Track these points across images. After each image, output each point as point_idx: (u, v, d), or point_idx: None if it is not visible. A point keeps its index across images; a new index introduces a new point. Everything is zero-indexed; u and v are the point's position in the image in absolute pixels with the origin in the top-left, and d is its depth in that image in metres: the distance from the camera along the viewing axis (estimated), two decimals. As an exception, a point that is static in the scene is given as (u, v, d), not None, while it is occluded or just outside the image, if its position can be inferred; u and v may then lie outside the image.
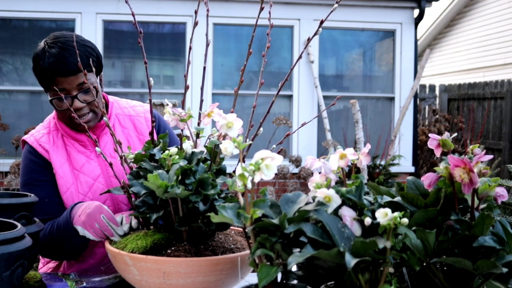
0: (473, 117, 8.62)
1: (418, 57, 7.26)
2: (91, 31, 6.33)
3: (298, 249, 1.08)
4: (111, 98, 1.93)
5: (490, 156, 1.13)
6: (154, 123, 1.50)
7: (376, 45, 7.16)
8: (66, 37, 1.72)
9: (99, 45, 6.36)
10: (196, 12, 1.38)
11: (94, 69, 1.62)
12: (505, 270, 1.00)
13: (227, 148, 1.14)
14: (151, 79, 1.43)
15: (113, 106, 1.90)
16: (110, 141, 1.85)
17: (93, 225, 1.53)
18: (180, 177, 1.27)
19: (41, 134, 1.84)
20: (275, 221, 1.06)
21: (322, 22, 1.34)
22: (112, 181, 1.80)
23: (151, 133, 1.48)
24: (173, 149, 1.34)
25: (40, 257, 1.94)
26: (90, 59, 1.64)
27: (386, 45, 7.06)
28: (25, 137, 1.85)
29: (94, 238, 1.54)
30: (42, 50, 1.70)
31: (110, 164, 1.49)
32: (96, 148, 1.46)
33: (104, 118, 1.45)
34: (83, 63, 1.68)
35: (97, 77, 1.76)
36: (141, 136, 1.89)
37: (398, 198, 1.16)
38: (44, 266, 1.91)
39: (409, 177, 1.20)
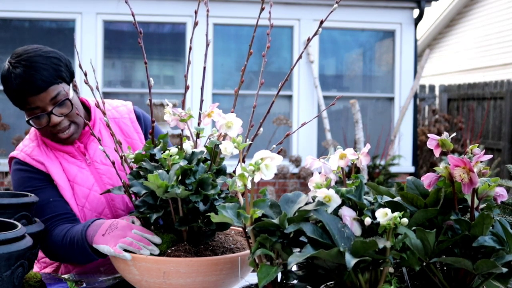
0: (473, 117, 8.62)
1: (418, 57, 7.26)
2: (91, 31, 6.33)
3: (298, 249, 1.08)
4: (92, 102, 1.83)
5: (490, 156, 1.13)
6: (155, 123, 1.50)
7: (376, 45, 7.16)
8: (28, 53, 1.64)
9: (99, 45, 6.37)
10: (196, 12, 1.38)
11: (66, 79, 1.56)
12: (504, 270, 1.00)
13: (227, 148, 1.14)
14: (151, 79, 1.43)
15: (95, 111, 1.81)
16: (98, 146, 1.76)
17: (123, 241, 1.38)
18: (180, 177, 1.28)
19: (31, 148, 1.75)
20: (275, 221, 1.06)
21: (322, 22, 1.34)
22: (108, 188, 1.72)
23: (151, 133, 1.48)
24: (173, 149, 1.34)
25: (36, 261, 1.84)
26: (58, 70, 1.60)
27: (386, 45, 7.06)
28: (14, 154, 1.76)
29: (128, 257, 1.33)
30: (8, 71, 1.63)
31: (113, 163, 1.45)
32: (99, 146, 1.43)
33: (104, 118, 1.45)
34: (51, 76, 1.62)
35: (69, 85, 1.69)
36: (128, 139, 1.82)
37: (398, 198, 1.16)
38: (40, 271, 1.84)
39: (409, 177, 1.20)
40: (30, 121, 1.67)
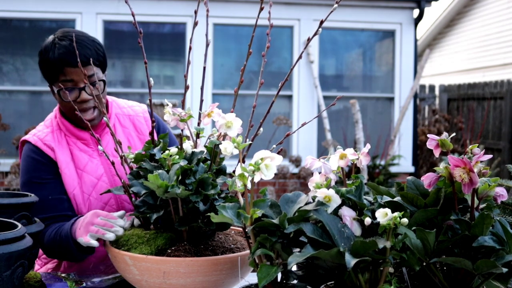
0: (473, 117, 8.62)
1: (418, 57, 7.26)
2: (91, 31, 6.32)
3: (298, 249, 1.08)
4: (109, 98, 1.92)
5: (490, 156, 1.13)
6: (155, 123, 1.50)
7: (376, 45, 7.16)
8: (75, 32, 1.75)
9: (99, 45, 6.37)
10: (196, 12, 1.38)
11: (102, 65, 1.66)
12: (504, 270, 1.00)
13: (227, 148, 1.14)
14: (151, 79, 1.44)
15: (112, 106, 1.89)
16: (111, 140, 1.83)
17: (91, 230, 1.49)
18: (180, 177, 1.27)
19: (45, 133, 1.80)
20: (275, 221, 1.06)
21: (322, 22, 1.34)
22: (116, 180, 1.79)
23: (151, 133, 1.48)
24: (173, 149, 1.34)
25: (37, 258, 1.89)
26: (99, 54, 1.71)
27: (386, 45, 7.06)
28: (27, 137, 1.81)
29: (95, 243, 1.49)
30: (52, 43, 1.72)
31: (112, 163, 1.49)
32: (99, 147, 1.46)
33: (104, 118, 1.45)
34: (93, 57, 1.71)
35: (103, 73, 1.78)
36: (141, 136, 1.89)
37: (398, 198, 1.16)
38: (42, 267, 1.88)
39: (409, 177, 1.20)
40: (60, 92, 1.71)
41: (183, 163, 1.29)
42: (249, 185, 1.08)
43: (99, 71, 1.74)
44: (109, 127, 1.46)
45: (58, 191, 1.75)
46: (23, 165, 1.79)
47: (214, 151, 1.37)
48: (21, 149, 1.83)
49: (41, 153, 1.77)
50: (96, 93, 1.72)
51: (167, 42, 6.76)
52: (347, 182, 1.20)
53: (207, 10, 1.47)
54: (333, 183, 1.21)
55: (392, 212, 1.02)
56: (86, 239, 1.48)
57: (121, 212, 1.53)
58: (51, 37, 1.74)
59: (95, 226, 1.48)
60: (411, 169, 6.88)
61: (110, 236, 1.43)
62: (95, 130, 1.81)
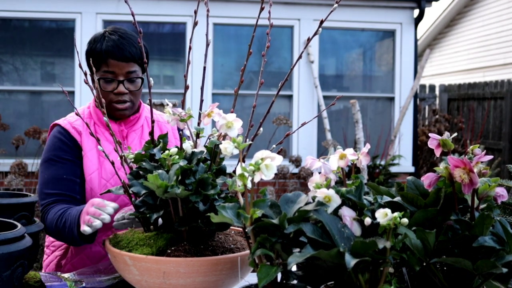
0: (473, 117, 8.62)
1: (418, 57, 7.26)
2: (91, 31, 6.32)
3: (298, 249, 1.08)
4: (142, 103, 2.05)
5: (490, 157, 1.13)
6: (154, 123, 1.50)
7: (376, 45, 7.16)
8: (126, 30, 1.88)
9: (99, 45, 6.36)
10: (195, 12, 1.38)
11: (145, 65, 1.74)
12: (505, 270, 1.00)
13: (227, 148, 1.14)
14: (151, 79, 1.44)
15: (143, 109, 2.01)
16: (137, 138, 1.94)
17: (85, 219, 1.56)
18: (180, 177, 1.27)
19: (76, 118, 1.91)
20: (275, 221, 1.06)
21: (322, 22, 1.34)
22: None
23: (150, 133, 1.48)
24: (173, 149, 1.34)
25: (45, 247, 1.99)
26: (143, 56, 1.79)
27: (386, 45, 7.06)
28: (58, 121, 1.92)
29: (88, 230, 1.55)
30: (102, 35, 1.84)
31: (112, 163, 1.50)
32: (98, 146, 1.48)
33: (104, 118, 1.46)
34: (137, 56, 1.83)
35: (142, 74, 1.89)
36: None
37: (398, 198, 1.16)
38: (51, 255, 1.95)
39: (409, 177, 1.20)
40: (100, 81, 1.83)
41: (183, 163, 1.29)
42: (249, 185, 1.08)
43: (139, 70, 1.86)
44: (108, 127, 1.46)
45: (74, 173, 1.84)
46: (48, 144, 1.89)
47: (214, 151, 1.36)
48: (50, 132, 1.93)
49: (68, 135, 1.87)
50: (133, 88, 1.84)
51: (167, 42, 6.76)
52: (347, 182, 1.20)
53: (207, 10, 1.47)
54: (333, 183, 1.21)
55: (392, 212, 1.02)
56: (82, 227, 1.55)
57: (115, 205, 1.58)
58: (101, 31, 1.88)
59: (88, 216, 1.55)
60: (411, 169, 6.87)
61: (97, 224, 1.51)
62: (125, 124, 1.92)
